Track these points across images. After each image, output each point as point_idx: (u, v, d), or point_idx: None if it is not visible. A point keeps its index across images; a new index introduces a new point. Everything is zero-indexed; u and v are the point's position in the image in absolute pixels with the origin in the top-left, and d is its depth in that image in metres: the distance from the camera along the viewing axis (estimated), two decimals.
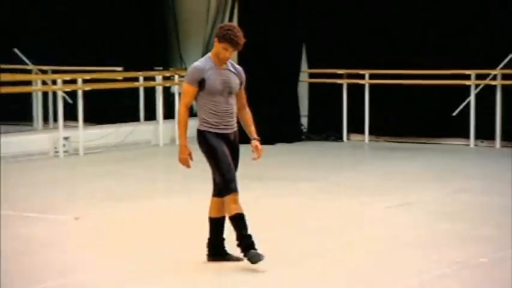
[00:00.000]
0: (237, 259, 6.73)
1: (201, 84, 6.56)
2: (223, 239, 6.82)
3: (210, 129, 6.60)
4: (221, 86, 6.60)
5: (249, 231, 6.59)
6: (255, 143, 6.80)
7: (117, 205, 9.55)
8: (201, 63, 6.65)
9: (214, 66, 6.62)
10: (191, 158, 6.60)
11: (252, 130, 6.85)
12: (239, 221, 6.57)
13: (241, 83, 6.76)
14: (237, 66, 6.80)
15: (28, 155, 13.25)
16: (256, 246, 6.57)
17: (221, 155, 6.55)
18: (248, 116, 6.86)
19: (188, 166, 6.62)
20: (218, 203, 6.71)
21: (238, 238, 6.60)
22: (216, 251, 6.81)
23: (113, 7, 16.35)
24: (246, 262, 6.57)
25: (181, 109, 6.62)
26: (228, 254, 6.78)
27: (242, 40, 6.57)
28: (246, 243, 6.56)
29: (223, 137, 6.63)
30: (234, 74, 6.72)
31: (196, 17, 16.39)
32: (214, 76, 6.59)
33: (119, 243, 7.79)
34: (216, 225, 6.77)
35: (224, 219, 6.76)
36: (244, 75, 6.80)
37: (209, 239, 6.84)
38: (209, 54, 6.73)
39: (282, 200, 9.76)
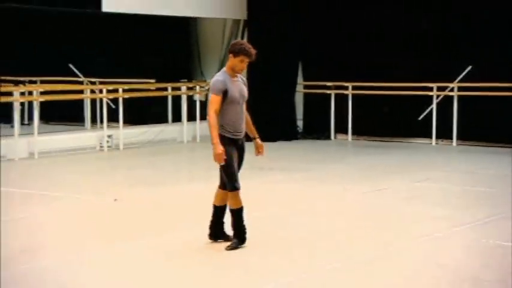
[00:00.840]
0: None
1: (224, 94, 6.26)
2: (223, 223, 6.61)
3: (226, 134, 6.29)
4: (238, 95, 6.34)
5: (244, 222, 6.43)
6: (259, 142, 6.63)
7: (148, 189, 9.55)
8: (220, 77, 6.32)
9: (230, 79, 6.32)
10: (224, 154, 6.22)
11: (253, 130, 6.64)
12: (237, 214, 6.40)
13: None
14: (243, 78, 6.54)
15: (79, 149, 13.27)
16: (247, 235, 6.44)
17: (230, 160, 6.29)
18: (249, 118, 6.58)
19: (221, 161, 6.21)
20: (222, 194, 6.49)
21: (234, 228, 6.44)
22: (216, 232, 6.59)
23: (149, 32, 16.38)
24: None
25: (212, 115, 6.20)
26: (227, 235, 6.57)
27: (254, 51, 6.35)
28: (238, 232, 6.42)
29: (235, 142, 6.34)
30: (243, 84, 6.48)
31: (213, 40, 16.37)
32: (233, 87, 6.31)
33: (148, 220, 7.80)
34: (219, 212, 6.57)
35: (225, 208, 6.54)
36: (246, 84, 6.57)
37: (211, 222, 6.61)
38: (224, 69, 6.41)
39: (280, 186, 9.73)
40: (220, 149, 6.19)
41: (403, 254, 6.40)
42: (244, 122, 6.45)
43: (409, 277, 5.75)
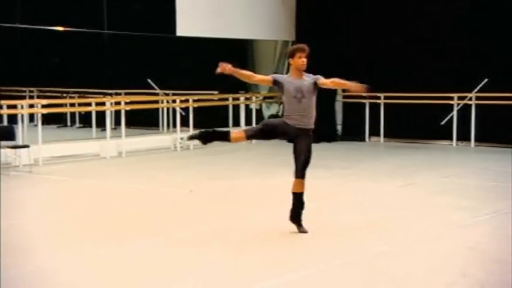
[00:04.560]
0: (304, 231, 6.30)
1: (279, 85, 6.18)
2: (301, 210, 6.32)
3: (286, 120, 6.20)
4: (293, 89, 6.12)
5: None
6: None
7: (217, 182, 9.59)
8: (282, 75, 6.38)
9: (292, 78, 6.19)
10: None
11: (344, 82, 6.19)
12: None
13: (315, 83, 6.17)
14: (312, 75, 6.27)
15: (156, 149, 13.44)
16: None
17: (270, 121, 6.43)
18: (335, 80, 6.22)
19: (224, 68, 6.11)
20: (299, 182, 6.28)
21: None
22: (295, 217, 6.35)
23: (213, 51, 16.46)
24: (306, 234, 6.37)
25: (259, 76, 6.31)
26: (301, 225, 6.32)
27: (304, 45, 6.24)
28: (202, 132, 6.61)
29: (291, 127, 6.19)
30: (308, 80, 6.18)
31: (266, 58, 16.41)
32: (290, 83, 6.16)
33: (221, 209, 7.83)
34: (297, 198, 6.34)
35: (302, 194, 6.29)
36: (317, 76, 6.24)
37: (292, 207, 6.37)
38: (289, 73, 6.31)
39: (324, 181, 9.56)
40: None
41: (437, 239, 6.29)
42: (305, 118, 6.15)
43: (446, 258, 5.65)
